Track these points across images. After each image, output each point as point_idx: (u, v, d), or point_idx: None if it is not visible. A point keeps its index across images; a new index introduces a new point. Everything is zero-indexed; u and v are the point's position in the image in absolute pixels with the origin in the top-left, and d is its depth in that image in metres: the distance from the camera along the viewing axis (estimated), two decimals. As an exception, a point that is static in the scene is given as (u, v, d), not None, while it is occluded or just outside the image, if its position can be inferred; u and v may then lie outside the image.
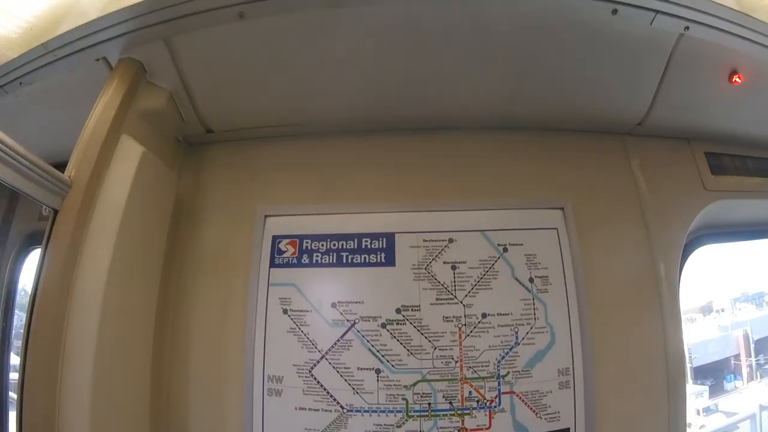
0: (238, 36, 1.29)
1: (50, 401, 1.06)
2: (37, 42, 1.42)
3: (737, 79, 1.45)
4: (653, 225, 1.57)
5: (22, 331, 1.18)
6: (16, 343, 2.31)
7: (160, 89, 1.44)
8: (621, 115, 1.63)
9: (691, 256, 1.86)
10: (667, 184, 1.66)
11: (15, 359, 2.29)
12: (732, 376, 11.18)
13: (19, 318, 2.33)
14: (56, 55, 1.39)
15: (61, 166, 1.20)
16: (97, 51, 1.37)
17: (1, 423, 2.08)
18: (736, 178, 1.76)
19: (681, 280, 1.70)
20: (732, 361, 11.39)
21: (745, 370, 11.22)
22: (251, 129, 1.61)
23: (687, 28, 1.28)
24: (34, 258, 2.08)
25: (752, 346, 11.44)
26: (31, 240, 2.11)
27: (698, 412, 9.62)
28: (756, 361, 11.28)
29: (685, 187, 1.68)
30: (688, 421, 1.49)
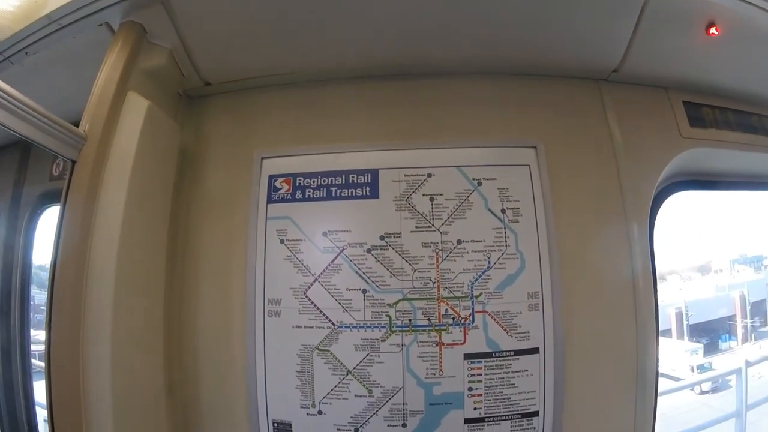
0: None
1: (75, 326, 1.20)
2: (41, 13, 1.49)
3: (714, 31, 1.48)
4: (624, 165, 1.65)
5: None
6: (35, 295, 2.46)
7: (161, 48, 1.53)
8: (596, 61, 1.67)
9: (667, 200, 1.92)
10: (643, 129, 1.72)
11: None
12: (727, 336, 11.43)
13: (36, 274, 2.47)
14: (60, 24, 1.46)
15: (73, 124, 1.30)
16: (100, 17, 1.45)
17: (24, 362, 2.24)
18: (714, 127, 1.81)
19: (655, 224, 1.78)
20: (727, 322, 11.63)
21: (740, 331, 11.45)
22: (245, 80, 1.70)
23: None
24: (47, 216, 2.26)
25: (748, 308, 11.64)
26: (44, 200, 2.23)
27: (692, 369, 9.89)
28: (751, 322, 11.50)
29: (661, 132, 1.74)
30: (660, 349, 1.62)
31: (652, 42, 1.55)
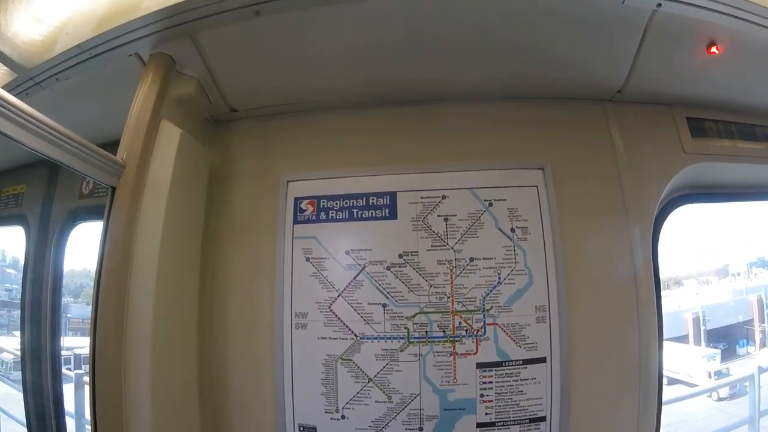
0: (255, 29, 1.49)
1: (118, 341, 1.34)
2: (71, 42, 1.62)
3: (715, 50, 1.56)
4: (628, 183, 1.75)
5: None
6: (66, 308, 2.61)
7: (189, 77, 1.67)
8: (600, 83, 1.78)
9: (672, 213, 1.99)
10: (646, 146, 1.82)
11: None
12: (744, 341, 11.33)
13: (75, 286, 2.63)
14: (91, 54, 1.61)
15: (102, 147, 1.41)
16: (130, 48, 1.59)
17: (54, 368, 2.40)
18: (717, 141, 1.88)
19: (660, 236, 1.89)
20: (745, 326, 11.52)
21: (758, 336, 11.37)
22: (271, 107, 1.85)
23: (659, 5, 1.40)
24: (77, 232, 2.44)
25: (766, 311, 11.53)
26: (74, 216, 2.39)
27: (710, 375, 9.84)
28: (769, 327, 11.41)
29: (664, 148, 1.83)
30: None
31: (655, 62, 1.64)
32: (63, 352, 2.55)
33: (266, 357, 1.65)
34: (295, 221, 1.71)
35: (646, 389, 1.62)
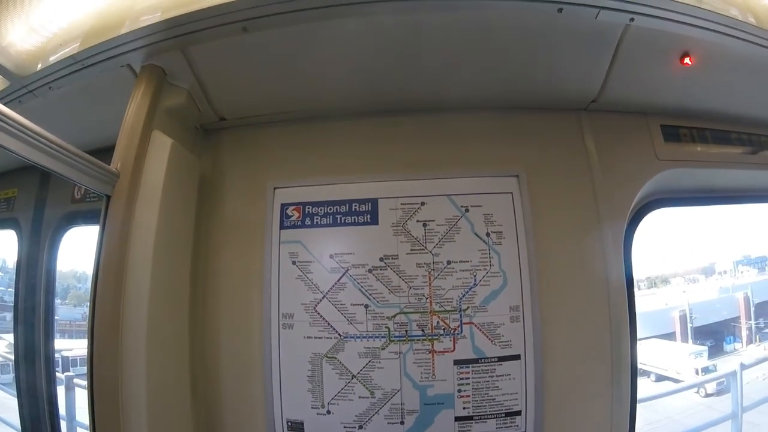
0: (243, 43, 1.58)
1: (115, 342, 1.42)
2: (63, 52, 1.70)
3: (688, 62, 1.65)
4: (601, 189, 1.87)
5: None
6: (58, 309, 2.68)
7: (180, 88, 1.76)
8: (576, 93, 1.88)
9: (647, 216, 2.11)
10: (620, 153, 1.93)
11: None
12: (732, 338, 11.66)
13: (61, 288, 2.70)
14: (84, 64, 1.68)
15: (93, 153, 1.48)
16: (123, 59, 1.67)
17: (48, 369, 2.47)
18: (691, 146, 2.00)
19: (633, 240, 2.01)
20: (732, 324, 11.85)
21: (744, 333, 11.69)
22: (258, 116, 1.95)
23: (632, 19, 1.49)
24: (69, 236, 2.52)
25: (752, 309, 11.87)
26: (67, 220, 2.47)
27: (697, 372, 10.12)
28: (755, 324, 11.73)
29: (637, 155, 1.94)
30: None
31: (629, 73, 1.74)
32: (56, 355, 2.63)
33: (255, 356, 1.76)
34: (282, 226, 1.82)
35: (619, 385, 1.74)
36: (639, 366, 1.94)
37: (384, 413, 1.70)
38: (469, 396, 1.70)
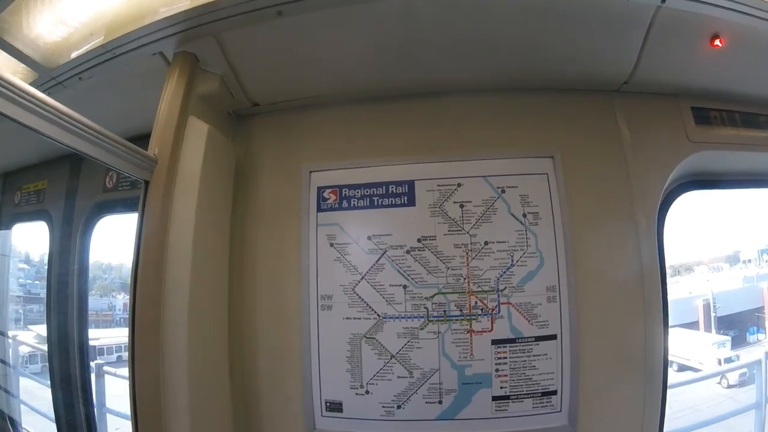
0: (277, 28, 1.61)
1: (156, 326, 1.49)
2: (97, 43, 1.74)
3: (718, 43, 1.68)
4: (634, 170, 1.90)
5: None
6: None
7: (213, 74, 1.81)
8: (608, 75, 1.91)
9: (678, 199, 2.15)
10: (652, 135, 1.96)
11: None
12: (755, 328, 11.55)
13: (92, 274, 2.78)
14: (115, 53, 1.74)
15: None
16: (155, 47, 1.72)
17: (82, 357, 2.57)
18: (721, 130, 2.03)
19: (665, 221, 2.05)
20: (756, 314, 11.73)
21: None
22: (291, 101, 2.01)
23: (663, 1, 1.52)
24: (102, 224, 2.61)
25: (777, 299, 11.75)
26: (99, 209, 2.56)
27: (719, 362, 10.07)
28: (780, 315, 11.62)
29: (669, 137, 1.97)
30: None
31: (660, 55, 1.77)
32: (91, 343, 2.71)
33: (293, 337, 1.83)
34: (319, 209, 1.87)
35: (652, 367, 1.79)
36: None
37: (422, 393, 1.75)
38: (506, 376, 1.75)
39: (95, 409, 2.84)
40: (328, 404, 1.79)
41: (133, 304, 1.51)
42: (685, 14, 1.57)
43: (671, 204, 2.14)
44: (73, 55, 1.82)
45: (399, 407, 1.76)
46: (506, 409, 1.75)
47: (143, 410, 1.46)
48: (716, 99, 2.04)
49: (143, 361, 1.48)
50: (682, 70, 1.90)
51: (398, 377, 1.76)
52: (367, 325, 1.79)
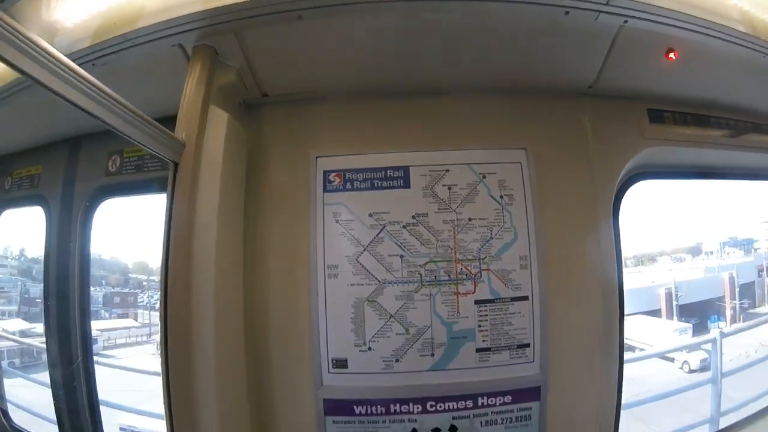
0: (295, 29, 1.83)
1: (186, 291, 1.71)
2: (115, 32, 1.85)
3: (672, 56, 2.02)
4: (594, 161, 2.28)
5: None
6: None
7: (230, 67, 2.00)
8: (575, 79, 2.25)
9: (633, 187, 2.57)
10: (611, 132, 2.33)
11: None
12: (716, 317, 12.46)
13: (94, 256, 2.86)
14: (134, 42, 1.86)
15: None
16: (175, 39, 1.87)
17: (85, 346, 2.69)
18: (674, 128, 2.42)
19: (621, 203, 2.47)
20: (716, 303, 12.65)
21: (728, 312, 12.51)
22: (300, 92, 2.27)
23: (626, 21, 1.85)
24: (104, 207, 2.75)
25: (737, 289, 12.69)
26: (101, 193, 2.70)
27: (681, 349, 10.85)
28: (740, 303, 12.55)
29: (625, 134, 2.36)
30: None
31: (622, 63, 2.10)
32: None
33: (303, 303, 2.12)
34: (325, 190, 2.19)
35: (609, 321, 2.19)
36: (625, 341, 2.36)
37: (417, 347, 2.10)
38: (487, 331, 2.12)
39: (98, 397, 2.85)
40: (335, 361, 2.11)
41: (165, 272, 1.70)
42: (644, 32, 1.90)
43: (627, 190, 2.54)
44: (91, 42, 1.92)
45: (397, 360, 2.10)
46: (488, 360, 2.11)
47: (175, 364, 1.70)
48: (672, 102, 2.42)
49: (175, 327, 1.69)
50: (641, 77, 2.25)
51: (396, 334, 2.10)
52: (369, 290, 2.12)
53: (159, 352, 1.73)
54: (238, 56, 2.00)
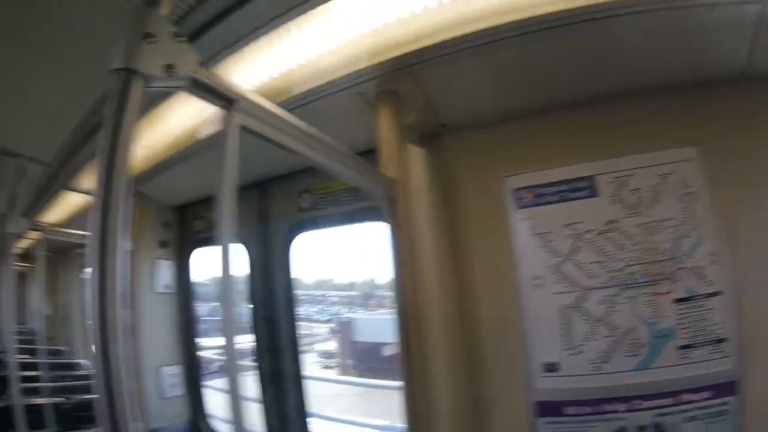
0: (469, 64, 2.07)
1: (417, 312, 1.98)
2: (303, 88, 2.11)
3: None
4: None
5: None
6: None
7: (413, 107, 2.26)
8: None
9: None
10: None
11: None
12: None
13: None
14: (317, 95, 2.11)
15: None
16: (358, 89, 2.09)
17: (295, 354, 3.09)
18: None
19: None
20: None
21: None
22: (477, 119, 2.52)
23: None
24: (298, 241, 3.16)
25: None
26: (294, 228, 3.11)
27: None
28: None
29: None
30: None
31: None
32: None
33: (512, 314, 2.33)
34: (519, 207, 2.41)
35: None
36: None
37: (623, 348, 2.25)
38: (686, 328, 2.25)
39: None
40: (546, 365, 2.28)
41: (402, 297, 1.95)
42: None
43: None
44: (278, 101, 2.12)
45: (605, 362, 2.25)
46: (688, 357, 2.23)
47: (412, 373, 1.95)
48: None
49: (412, 340, 1.95)
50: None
51: (603, 337, 2.26)
52: (573, 297, 2.30)
53: (400, 360, 1.98)
54: (419, 96, 2.26)
